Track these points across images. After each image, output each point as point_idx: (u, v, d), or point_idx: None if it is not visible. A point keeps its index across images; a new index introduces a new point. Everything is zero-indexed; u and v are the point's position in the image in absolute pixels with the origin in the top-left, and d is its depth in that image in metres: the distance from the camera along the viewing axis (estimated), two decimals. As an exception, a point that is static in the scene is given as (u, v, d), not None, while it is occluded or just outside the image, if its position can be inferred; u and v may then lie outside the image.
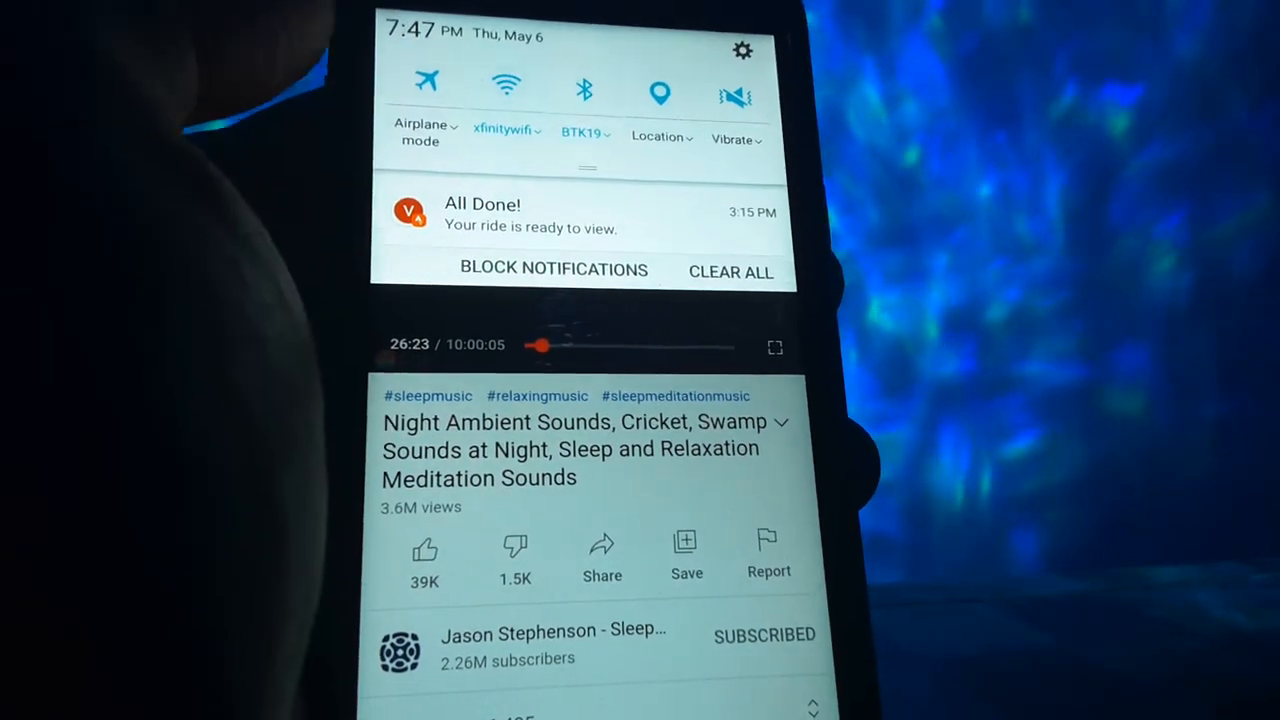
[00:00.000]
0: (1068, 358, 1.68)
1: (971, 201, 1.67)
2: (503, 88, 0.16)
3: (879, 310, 1.65)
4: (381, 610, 0.13)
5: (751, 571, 0.15)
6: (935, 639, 1.17)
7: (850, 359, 1.66)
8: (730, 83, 0.17)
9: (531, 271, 0.15)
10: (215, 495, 0.09)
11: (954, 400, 1.66)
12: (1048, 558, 1.58)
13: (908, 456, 1.64)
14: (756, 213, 0.16)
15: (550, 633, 0.14)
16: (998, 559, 1.59)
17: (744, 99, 0.17)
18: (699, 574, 0.14)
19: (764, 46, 0.17)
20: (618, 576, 0.14)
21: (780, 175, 0.16)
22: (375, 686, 0.13)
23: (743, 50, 0.17)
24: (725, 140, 0.16)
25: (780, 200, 0.16)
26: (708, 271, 0.16)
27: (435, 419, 0.14)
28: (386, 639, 0.13)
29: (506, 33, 0.16)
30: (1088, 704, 1.02)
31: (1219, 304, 1.67)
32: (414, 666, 0.13)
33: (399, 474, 0.14)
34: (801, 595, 0.15)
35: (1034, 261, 1.68)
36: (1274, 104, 1.67)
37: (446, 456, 0.14)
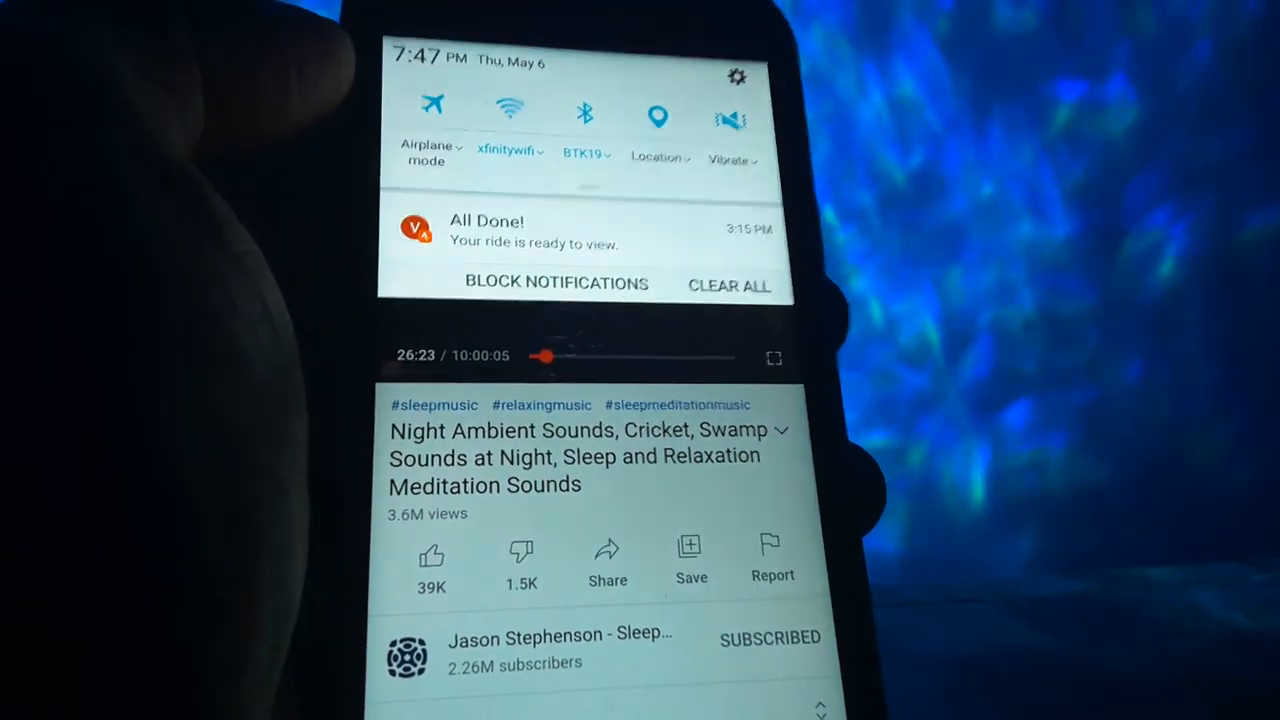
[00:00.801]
0: (1069, 359, 1.68)
1: (974, 205, 1.67)
2: (506, 111, 0.16)
3: (881, 314, 1.65)
4: (388, 615, 0.13)
5: (755, 576, 0.15)
6: (935, 639, 1.17)
7: (854, 362, 1.66)
8: (726, 107, 0.17)
9: (535, 285, 0.16)
10: (194, 499, 0.09)
11: (956, 402, 1.66)
12: (1048, 558, 1.59)
13: (910, 458, 1.64)
14: (753, 229, 0.17)
15: (557, 637, 0.14)
16: (998, 559, 1.59)
17: (739, 122, 0.17)
18: (703, 578, 0.15)
19: (757, 73, 0.18)
20: (623, 581, 0.14)
21: (775, 194, 0.17)
22: (382, 692, 0.13)
23: (737, 76, 0.17)
24: (721, 161, 0.17)
25: (776, 218, 0.17)
26: (707, 285, 0.16)
27: (441, 427, 0.14)
28: (394, 644, 0.13)
29: (510, 59, 0.16)
30: (1088, 704, 1.02)
31: (1224, 306, 1.67)
32: (421, 672, 0.13)
33: (405, 481, 0.14)
34: (806, 599, 0.15)
35: (1036, 265, 1.68)
36: None
37: (453, 464, 0.14)
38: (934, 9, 1.63)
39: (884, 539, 1.61)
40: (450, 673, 0.13)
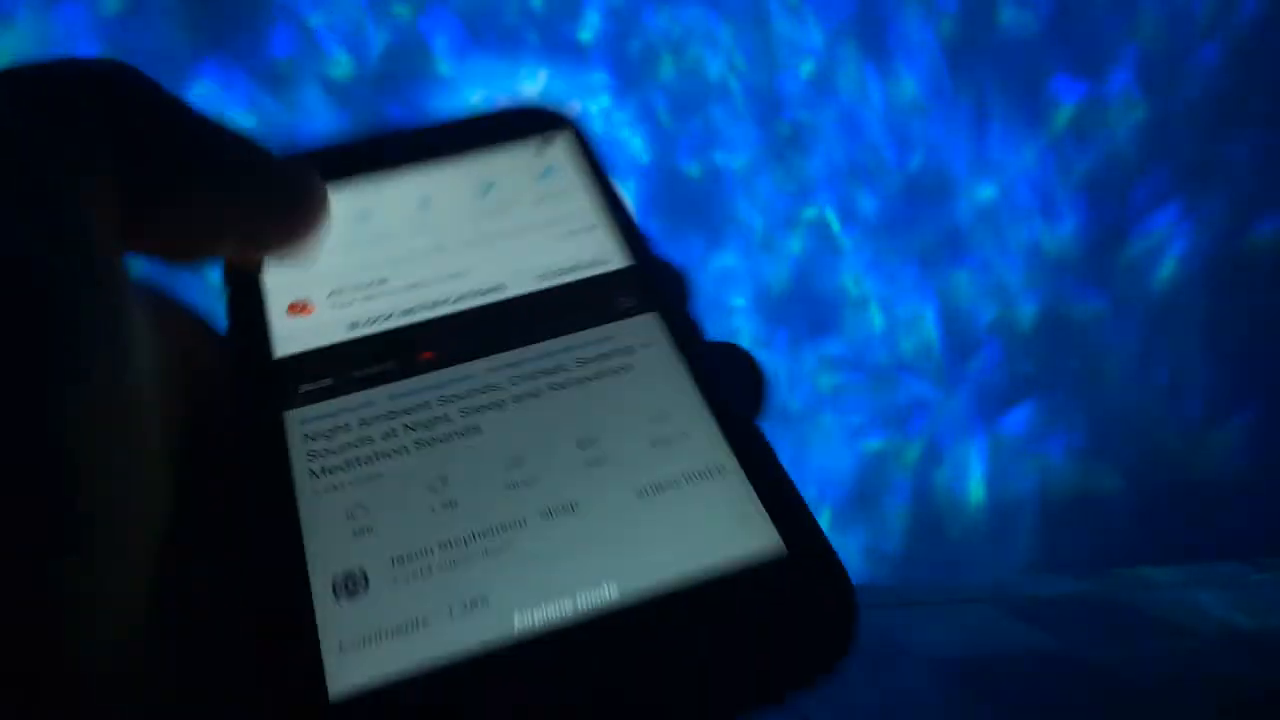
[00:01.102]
0: (1070, 360, 1.68)
1: (976, 207, 1.68)
2: (359, 220, 0.21)
3: (882, 316, 1.65)
4: (326, 560, 0.15)
5: (654, 443, 0.17)
6: (935, 639, 1.17)
7: (855, 364, 1.66)
8: (538, 166, 0.22)
9: (407, 315, 0.19)
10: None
11: (957, 403, 1.66)
12: (1048, 558, 1.59)
13: (911, 459, 1.64)
14: (583, 231, 0.21)
15: (484, 534, 0.16)
16: (998, 559, 1.60)
17: (551, 173, 0.22)
18: (608, 458, 0.17)
19: (556, 140, 0.22)
20: (536, 480, 0.16)
21: (595, 205, 0.21)
22: (332, 614, 0.14)
23: (541, 147, 0.22)
24: (545, 198, 0.21)
25: (599, 219, 0.21)
26: (555, 274, 0.20)
27: (347, 425, 0.17)
28: (335, 578, 0.15)
29: (352, 189, 0.21)
30: (1088, 704, 1.02)
31: (1227, 307, 1.67)
32: (366, 591, 0.15)
33: (323, 468, 0.16)
34: (705, 447, 0.17)
35: (1038, 267, 1.68)
36: None
37: (362, 445, 0.17)
38: (937, 10, 1.64)
39: (885, 539, 1.62)
40: (393, 586, 0.15)
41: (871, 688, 1.03)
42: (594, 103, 1.72)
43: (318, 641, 0.14)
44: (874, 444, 1.65)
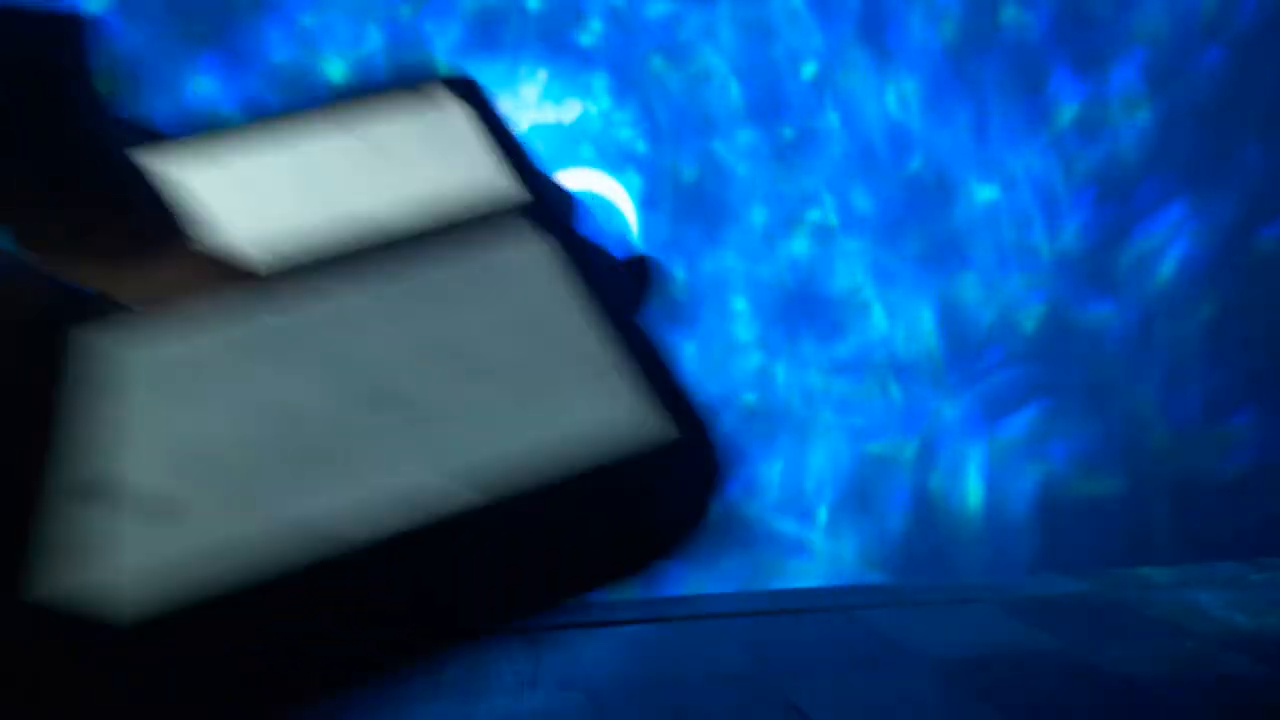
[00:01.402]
0: (1071, 361, 1.68)
1: (979, 209, 1.68)
2: (240, 188, 0.20)
3: (884, 318, 1.65)
4: (136, 486, 0.14)
5: (533, 350, 0.16)
6: (935, 639, 1.17)
7: (858, 365, 1.66)
8: (430, 127, 0.22)
9: (274, 257, 0.18)
10: None
11: (959, 404, 1.66)
12: (1048, 558, 1.59)
13: (913, 460, 1.64)
14: (471, 173, 0.20)
15: (336, 451, 0.14)
16: (998, 560, 1.60)
17: (442, 130, 0.22)
18: (484, 370, 0.16)
19: (450, 103, 0.23)
20: (401, 396, 0.15)
21: (488, 154, 0.21)
22: (139, 537, 0.13)
23: (434, 110, 0.22)
24: (434, 151, 0.21)
25: (492, 164, 0.21)
26: (436, 209, 0.19)
27: (185, 356, 0.16)
28: (142, 503, 0.14)
29: (234, 161, 0.20)
30: (1088, 704, 1.02)
31: (1228, 308, 1.67)
32: (180, 515, 0.14)
33: (150, 398, 0.15)
34: (582, 349, 0.17)
35: (1040, 268, 1.68)
36: None
37: (200, 375, 0.15)
38: (938, 10, 1.64)
39: (885, 540, 1.62)
40: (213, 510, 0.14)
41: (872, 688, 1.03)
42: (594, 103, 1.72)
43: (113, 564, 0.13)
44: (874, 445, 1.65)
